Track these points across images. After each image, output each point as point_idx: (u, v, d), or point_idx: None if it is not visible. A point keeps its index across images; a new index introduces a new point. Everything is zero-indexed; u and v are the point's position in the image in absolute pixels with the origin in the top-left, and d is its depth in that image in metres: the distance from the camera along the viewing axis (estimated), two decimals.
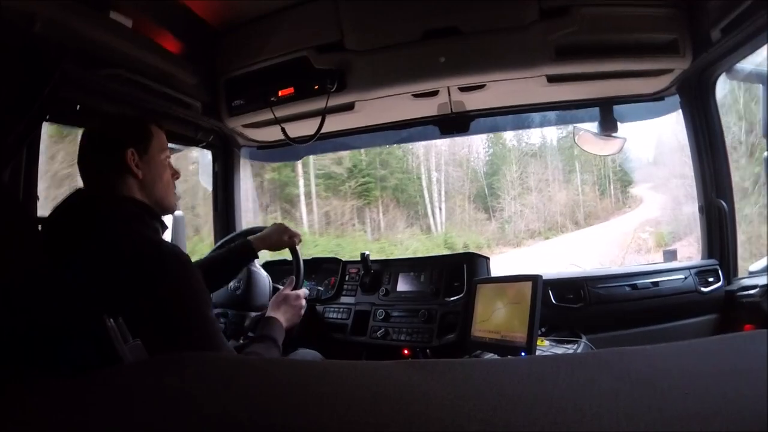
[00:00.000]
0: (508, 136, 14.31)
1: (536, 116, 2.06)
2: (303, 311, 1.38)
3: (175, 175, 1.11)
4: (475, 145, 14.43)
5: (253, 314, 1.52)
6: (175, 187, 1.11)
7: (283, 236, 1.49)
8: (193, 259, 1.43)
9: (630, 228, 11.86)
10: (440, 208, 13.92)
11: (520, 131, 12.79)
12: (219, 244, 1.69)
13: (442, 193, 13.99)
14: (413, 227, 13.41)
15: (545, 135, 14.17)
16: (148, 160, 1.02)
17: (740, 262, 1.70)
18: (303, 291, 1.42)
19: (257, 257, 1.49)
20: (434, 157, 14.13)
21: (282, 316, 1.29)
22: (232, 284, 1.50)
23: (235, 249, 1.46)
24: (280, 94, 1.68)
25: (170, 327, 0.83)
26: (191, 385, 0.40)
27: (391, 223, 13.30)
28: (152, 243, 0.91)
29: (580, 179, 14.32)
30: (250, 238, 1.47)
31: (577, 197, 14.22)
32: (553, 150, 14.48)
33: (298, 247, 1.53)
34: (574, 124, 1.94)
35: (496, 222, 13.82)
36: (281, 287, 1.58)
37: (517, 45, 1.48)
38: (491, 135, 13.14)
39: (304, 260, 1.54)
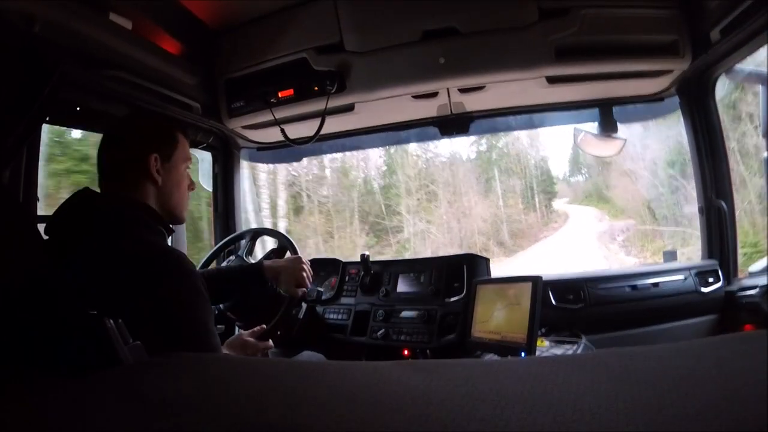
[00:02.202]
0: (412, 145, 10.66)
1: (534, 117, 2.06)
2: None
3: (191, 186, 1.09)
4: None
5: (238, 322, 1.51)
6: (189, 198, 1.09)
7: (292, 283, 1.39)
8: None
9: (589, 246, 9.82)
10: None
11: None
12: (226, 240, 1.69)
13: (274, 205, 8.79)
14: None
15: (454, 141, 11.67)
16: (169, 168, 1.00)
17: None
18: (266, 344, 1.27)
19: (266, 285, 1.42)
20: None
21: None
22: None
23: (245, 269, 1.43)
24: (279, 95, 1.68)
25: (168, 330, 0.82)
26: (191, 386, 0.40)
27: None
28: (155, 246, 0.90)
29: (500, 189, 11.55)
30: (265, 263, 1.43)
31: (498, 211, 11.16)
32: (468, 158, 11.63)
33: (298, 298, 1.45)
34: (574, 125, 1.94)
35: (393, 248, 10.16)
36: (282, 292, 1.58)
37: (517, 46, 1.48)
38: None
39: None
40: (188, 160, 1.06)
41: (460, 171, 11.31)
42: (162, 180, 0.98)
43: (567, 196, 12.56)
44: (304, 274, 1.40)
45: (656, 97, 1.80)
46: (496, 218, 10.98)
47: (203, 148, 1.98)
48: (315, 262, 2.00)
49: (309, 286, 1.42)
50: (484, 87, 1.64)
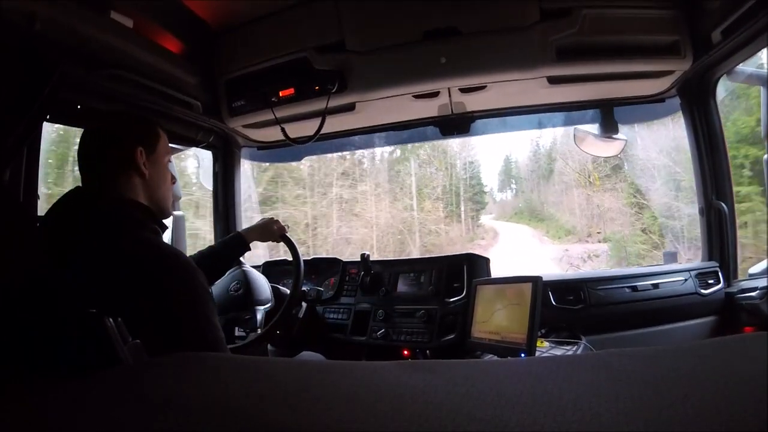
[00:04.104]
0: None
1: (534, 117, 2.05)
2: None
3: (173, 179, 1.11)
4: None
5: (261, 308, 1.52)
6: (173, 192, 1.11)
7: (272, 227, 1.52)
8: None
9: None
10: None
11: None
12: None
13: None
14: None
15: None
16: (154, 161, 1.02)
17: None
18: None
19: (249, 249, 1.51)
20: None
21: None
22: (231, 287, 1.51)
23: (227, 242, 1.49)
24: (280, 94, 1.68)
25: (170, 328, 0.83)
26: (191, 386, 0.40)
27: None
28: (154, 245, 0.90)
29: (415, 187, 8.47)
30: (240, 230, 1.50)
31: (410, 216, 7.86)
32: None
33: (289, 235, 1.55)
34: (575, 126, 1.94)
35: None
36: (280, 287, 1.58)
37: (518, 46, 1.48)
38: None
39: (304, 260, 1.54)
40: (170, 153, 1.09)
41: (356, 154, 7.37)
42: (149, 173, 0.99)
43: (493, 212, 10.95)
44: (279, 221, 1.55)
45: (657, 98, 1.80)
46: (405, 225, 7.74)
47: (204, 147, 1.99)
48: (315, 261, 2.00)
49: (287, 229, 1.57)
50: (485, 87, 1.64)
